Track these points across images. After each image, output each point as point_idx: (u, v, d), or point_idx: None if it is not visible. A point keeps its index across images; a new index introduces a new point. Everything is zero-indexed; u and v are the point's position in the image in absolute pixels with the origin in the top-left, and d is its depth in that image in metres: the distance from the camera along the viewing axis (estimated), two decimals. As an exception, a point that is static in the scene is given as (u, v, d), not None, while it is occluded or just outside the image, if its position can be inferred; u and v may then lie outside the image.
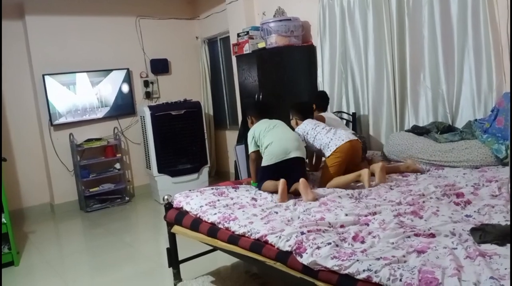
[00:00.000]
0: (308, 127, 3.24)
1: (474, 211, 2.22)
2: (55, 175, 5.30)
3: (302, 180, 2.75)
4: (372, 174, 2.97)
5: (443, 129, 3.38)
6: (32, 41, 5.08)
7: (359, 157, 3.19)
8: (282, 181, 2.75)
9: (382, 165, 3.02)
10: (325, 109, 3.79)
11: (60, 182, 5.31)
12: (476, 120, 3.26)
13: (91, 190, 5.30)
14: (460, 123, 3.43)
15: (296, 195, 2.81)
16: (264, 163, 2.99)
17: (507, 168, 2.83)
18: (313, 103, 3.64)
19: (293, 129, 3.30)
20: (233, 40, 5.04)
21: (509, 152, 2.84)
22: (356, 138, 3.19)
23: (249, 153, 3.17)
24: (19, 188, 5.19)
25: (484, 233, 1.84)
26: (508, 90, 3.07)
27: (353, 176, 2.93)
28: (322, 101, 3.78)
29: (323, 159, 3.25)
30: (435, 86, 3.55)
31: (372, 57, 3.90)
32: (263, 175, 2.99)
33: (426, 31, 3.53)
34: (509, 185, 2.40)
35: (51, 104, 5.14)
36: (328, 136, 3.12)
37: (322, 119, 3.51)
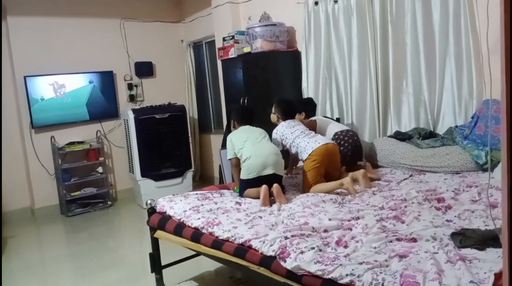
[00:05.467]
0: (286, 131, 3.26)
1: (455, 216, 2.26)
2: (36, 179, 5.20)
3: (275, 185, 2.83)
4: (355, 180, 3.01)
5: (425, 135, 3.44)
6: (14, 42, 5.00)
7: (337, 161, 3.20)
8: (264, 187, 2.80)
9: (364, 172, 3.05)
10: (313, 115, 3.80)
11: (41, 185, 5.22)
12: (457, 126, 3.32)
13: (72, 194, 5.21)
14: (441, 130, 3.50)
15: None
16: (243, 176, 3.00)
17: (487, 174, 2.89)
18: (301, 110, 3.64)
19: (270, 123, 3.37)
20: (218, 44, 5.04)
21: (489, 158, 2.90)
22: (333, 142, 3.22)
23: (228, 159, 3.17)
24: (-2, 192, 5.08)
25: (464, 238, 1.87)
26: (488, 97, 3.14)
27: (335, 185, 2.94)
28: (310, 108, 3.79)
29: (301, 163, 3.27)
30: (417, 93, 3.61)
31: (356, 63, 3.95)
32: (243, 186, 3.00)
33: (409, 39, 3.59)
34: (489, 190, 2.45)
35: (32, 106, 5.05)
36: (305, 140, 3.15)
37: (314, 124, 3.55)
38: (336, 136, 3.44)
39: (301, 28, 4.39)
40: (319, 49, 4.25)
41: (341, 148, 3.36)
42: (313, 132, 3.29)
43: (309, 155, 3.07)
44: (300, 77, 4.45)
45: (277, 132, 3.30)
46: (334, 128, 3.53)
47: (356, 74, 3.96)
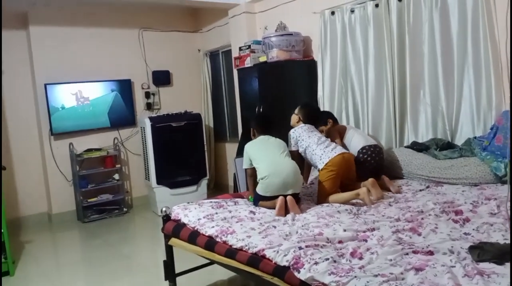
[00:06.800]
0: (304, 134, 3.23)
1: (473, 229, 2.22)
2: (54, 184, 5.28)
3: (289, 197, 2.79)
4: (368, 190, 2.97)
5: (443, 146, 3.39)
6: (35, 51, 5.11)
7: (353, 171, 3.17)
8: (280, 198, 2.78)
9: (372, 180, 3.02)
10: (337, 122, 3.80)
11: (59, 191, 5.30)
12: (475, 137, 3.27)
13: (89, 200, 5.28)
14: (459, 141, 3.44)
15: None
16: (259, 191, 2.92)
17: (506, 186, 2.82)
18: (326, 120, 3.63)
19: (287, 130, 3.33)
20: (234, 53, 5.08)
21: (508, 169, 2.83)
22: (348, 152, 3.21)
23: (244, 168, 3.14)
24: (17, 197, 5.17)
25: (482, 252, 1.83)
26: (508, 108, 3.08)
27: (351, 195, 2.91)
28: (334, 117, 3.80)
29: (317, 172, 3.25)
30: (435, 103, 3.57)
31: (373, 73, 3.93)
32: (259, 199, 2.96)
33: (426, 48, 3.56)
34: (508, 202, 2.39)
35: (52, 114, 5.15)
36: (320, 148, 3.12)
37: (343, 129, 3.62)
38: (364, 151, 3.40)
39: (317, 37, 4.40)
40: (335, 59, 4.24)
41: (367, 164, 3.35)
42: (329, 140, 3.27)
43: (326, 164, 3.04)
44: (316, 87, 4.45)
45: (294, 132, 3.27)
46: (361, 140, 3.49)
47: (372, 83, 3.94)
